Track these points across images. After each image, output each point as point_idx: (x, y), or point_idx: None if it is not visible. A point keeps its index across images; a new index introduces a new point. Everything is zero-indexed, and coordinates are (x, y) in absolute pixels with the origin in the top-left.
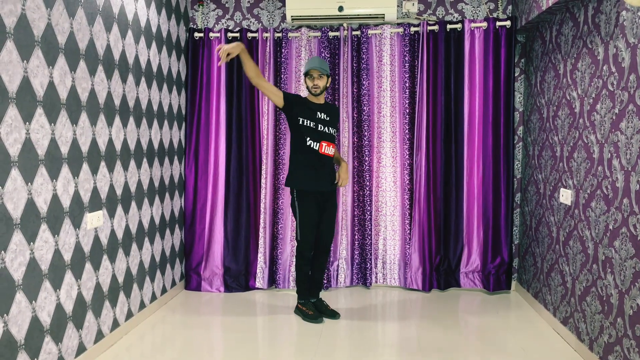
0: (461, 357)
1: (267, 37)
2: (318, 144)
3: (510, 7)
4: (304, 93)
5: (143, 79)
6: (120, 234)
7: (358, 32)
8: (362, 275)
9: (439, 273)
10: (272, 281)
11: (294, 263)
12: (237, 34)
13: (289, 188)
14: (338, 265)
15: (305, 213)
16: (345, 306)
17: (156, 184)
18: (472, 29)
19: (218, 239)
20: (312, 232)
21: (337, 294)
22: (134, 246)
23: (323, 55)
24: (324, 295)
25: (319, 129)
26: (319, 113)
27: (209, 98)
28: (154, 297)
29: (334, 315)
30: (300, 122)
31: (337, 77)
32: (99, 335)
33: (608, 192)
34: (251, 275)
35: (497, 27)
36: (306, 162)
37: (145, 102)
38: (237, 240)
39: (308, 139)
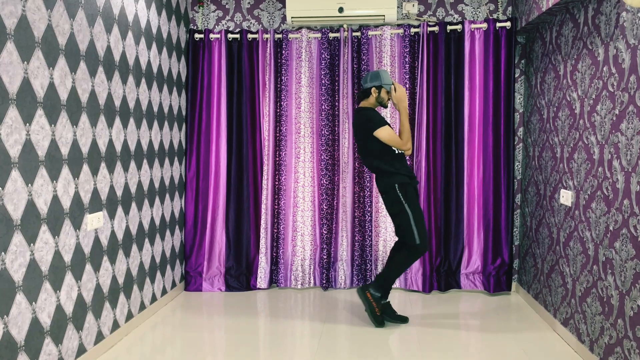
0: (461, 359)
1: (267, 39)
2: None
3: (510, 8)
4: (305, 94)
5: (143, 80)
6: (120, 235)
7: (358, 33)
8: (362, 276)
9: (440, 274)
10: (274, 281)
11: (401, 258)
12: (238, 35)
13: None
14: (338, 267)
15: (416, 205)
16: (345, 307)
17: (156, 185)
18: (472, 30)
19: (219, 239)
20: (425, 225)
21: (337, 295)
22: (134, 247)
23: (323, 56)
24: (323, 295)
25: None
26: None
27: (210, 99)
28: (154, 298)
29: (404, 320)
30: None
31: (337, 79)
32: (99, 337)
33: (608, 193)
34: (252, 275)
35: (497, 28)
36: (401, 162)
37: (145, 103)
38: (238, 241)
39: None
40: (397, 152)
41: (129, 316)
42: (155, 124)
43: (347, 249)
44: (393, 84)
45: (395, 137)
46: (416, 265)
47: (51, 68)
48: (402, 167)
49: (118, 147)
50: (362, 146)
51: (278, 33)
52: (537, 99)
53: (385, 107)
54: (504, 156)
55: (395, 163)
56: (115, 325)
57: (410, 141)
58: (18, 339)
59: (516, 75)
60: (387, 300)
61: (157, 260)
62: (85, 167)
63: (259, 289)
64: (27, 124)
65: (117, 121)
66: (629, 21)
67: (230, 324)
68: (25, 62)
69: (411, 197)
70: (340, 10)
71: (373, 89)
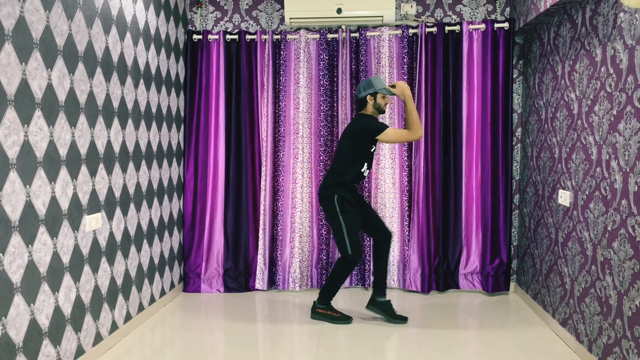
0: (460, 359)
1: (265, 39)
2: (369, 170)
3: (508, 9)
4: (304, 95)
5: (142, 81)
6: (118, 237)
7: (356, 34)
8: (361, 276)
9: (438, 275)
10: (272, 282)
11: (337, 270)
12: (236, 36)
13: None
14: None
15: (351, 217)
16: (344, 307)
17: (155, 186)
18: (471, 30)
19: (218, 240)
20: (359, 236)
21: (336, 295)
22: (133, 248)
23: (322, 57)
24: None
25: (374, 151)
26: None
27: (208, 100)
28: (152, 300)
29: (403, 320)
30: (372, 150)
31: (335, 79)
32: (98, 338)
33: (606, 194)
34: (251, 276)
35: (495, 29)
36: (352, 182)
37: (144, 104)
38: (237, 242)
39: (365, 165)
40: (363, 173)
41: (128, 317)
42: (154, 125)
43: None
44: (390, 84)
45: (401, 132)
46: (415, 265)
47: (49, 69)
48: (352, 186)
49: (116, 148)
50: (343, 151)
51: (276, 34)
52: (535, 100)
53: (383, 112)
54: (502, 157)
55: (353, 181)
56: (114, 327)
57: (421, 127)
58: (16, 340)
59: (514, 76)
60: (388, 300)
61: (156, 261)
62: (84, 168)
63: (258, 290)
64: (26, 125)
65: (116, 122)
66: (626, 22)
67: (229, 325)
68: (24, 63)
69: (347, 211)
70: (339, 11)
71: (368, 97)
